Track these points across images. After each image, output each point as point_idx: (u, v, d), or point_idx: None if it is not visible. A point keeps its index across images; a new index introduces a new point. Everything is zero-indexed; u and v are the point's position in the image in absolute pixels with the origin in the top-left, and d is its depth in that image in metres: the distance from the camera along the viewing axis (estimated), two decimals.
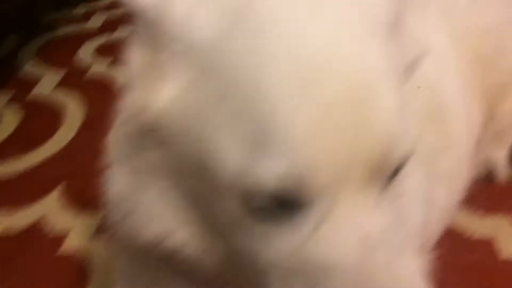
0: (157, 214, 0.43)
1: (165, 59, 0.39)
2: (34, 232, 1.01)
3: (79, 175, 0.99)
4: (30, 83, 1.57)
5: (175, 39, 0.38)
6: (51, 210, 1.07)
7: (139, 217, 0.44)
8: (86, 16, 1.97)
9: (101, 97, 1.39)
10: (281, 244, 0.36)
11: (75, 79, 1.57)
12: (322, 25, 0.36)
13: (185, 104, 0.38)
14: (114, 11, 1.93)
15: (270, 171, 0.33)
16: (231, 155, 0.35)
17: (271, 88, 0.34)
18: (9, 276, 0.92)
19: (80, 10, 2.03)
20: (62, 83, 1.56)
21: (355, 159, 0.35)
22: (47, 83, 1.57)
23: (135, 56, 0.41)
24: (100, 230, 0.95)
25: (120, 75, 0.55)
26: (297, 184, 0.34)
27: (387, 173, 0.38)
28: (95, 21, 1.92)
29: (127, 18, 0.42)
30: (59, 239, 0.98)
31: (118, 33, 1.76)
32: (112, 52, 1.22)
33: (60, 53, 1.72)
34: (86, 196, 1.01)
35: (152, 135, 0.40)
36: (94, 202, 0.58)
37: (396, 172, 0.39)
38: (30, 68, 1.67)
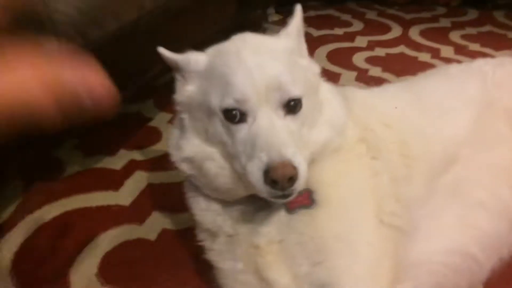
0: (189, 146, 0.91)
1: (187, 78, 0.91)
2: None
3: None
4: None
5: (190, 70, 0.90)
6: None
7: (182, 149, 0.92)
8: None
9: None
10: (240, 133, 0.81)
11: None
12: (253, 57, 0.83)
13: (198, 89, 0.89)
14: None
15: (229, 101, 0.80)
16: (215, 99, 0.83)
17: (230, 74, 0.82)
18: None
19: None
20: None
21: (262, 91, 0.80)
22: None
23: (180, 85, 0.93)
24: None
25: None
26: (239, 103, 0.80)
27: (283, 101, 0.81)
28: None
29: None
30: None
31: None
32: None
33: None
34: None
35: (187, 109, 0.92)
36: None
37: (293, 105, 0.82)
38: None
